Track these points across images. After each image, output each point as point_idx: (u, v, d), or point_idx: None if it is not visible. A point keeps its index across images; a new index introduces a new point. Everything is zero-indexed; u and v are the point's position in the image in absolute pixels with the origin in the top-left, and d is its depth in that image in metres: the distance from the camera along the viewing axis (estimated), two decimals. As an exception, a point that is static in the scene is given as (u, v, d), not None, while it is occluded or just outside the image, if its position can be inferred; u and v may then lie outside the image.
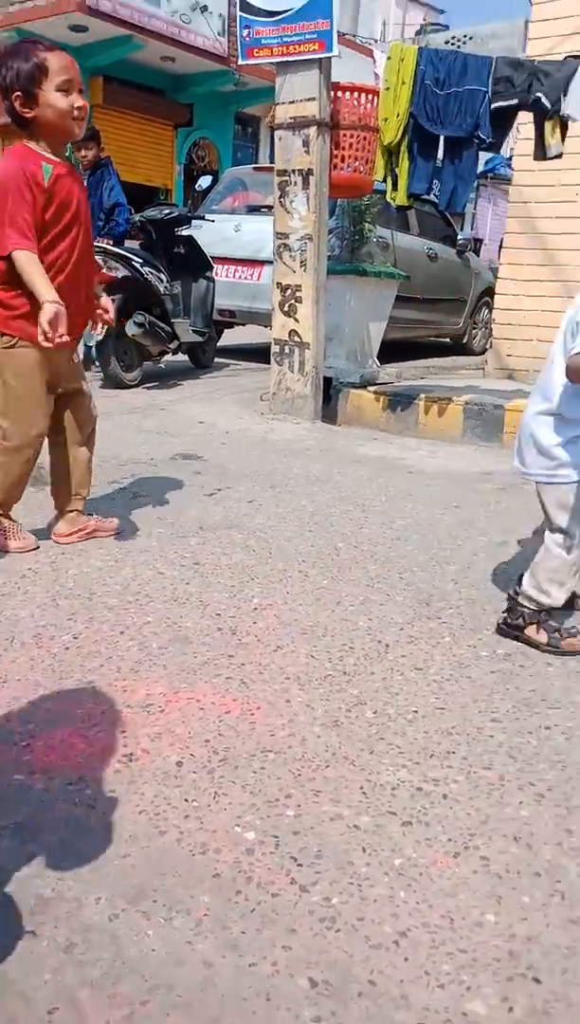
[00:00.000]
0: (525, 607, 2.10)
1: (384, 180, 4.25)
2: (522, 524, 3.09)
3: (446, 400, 4.96)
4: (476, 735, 1.65)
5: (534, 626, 2.09)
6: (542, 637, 2.08)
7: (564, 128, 4.13)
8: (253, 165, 8.48)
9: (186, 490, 3.31)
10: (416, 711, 1.75)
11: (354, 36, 14.91)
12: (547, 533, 2.08)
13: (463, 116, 3.97)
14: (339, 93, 4.39)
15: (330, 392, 5.39)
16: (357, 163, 4.39)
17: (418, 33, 17.12)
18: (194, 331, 6.18)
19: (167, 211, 6.12)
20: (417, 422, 5.06)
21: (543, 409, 2.02)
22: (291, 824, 1.39)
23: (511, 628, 2.13)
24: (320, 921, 1.20)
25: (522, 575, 2.17)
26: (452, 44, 13.58)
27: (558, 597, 2.07)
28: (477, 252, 10.70)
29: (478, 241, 12.86)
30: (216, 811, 1.41)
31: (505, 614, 2.16)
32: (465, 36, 14.13)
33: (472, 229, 13.34)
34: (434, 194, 4.37)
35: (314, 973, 1.11)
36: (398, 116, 4.06)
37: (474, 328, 8.99)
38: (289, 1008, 1.06)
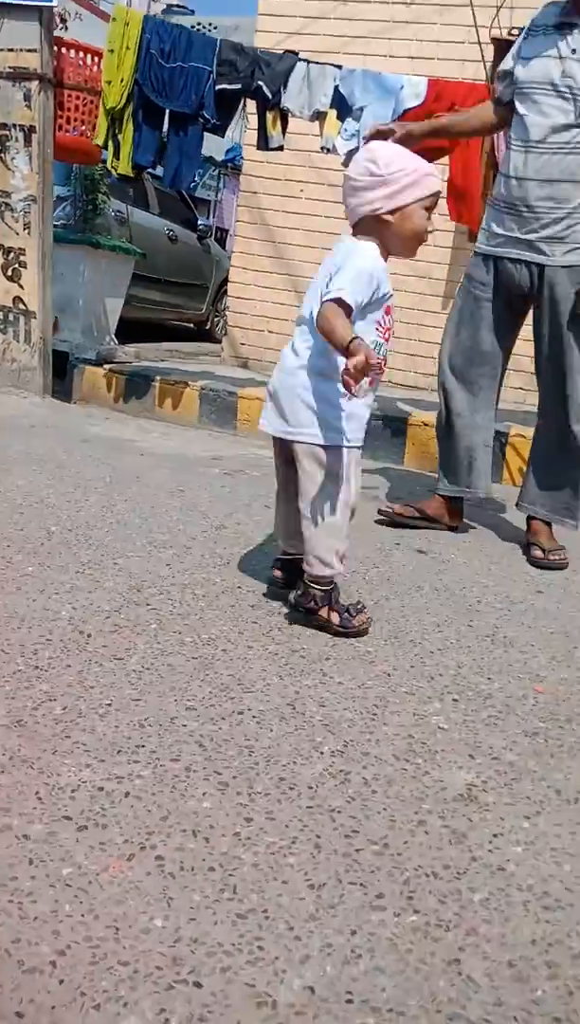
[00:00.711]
0: (315, 589, 2.08)
1: (105, 146, 4.07)
2: (244, 509, 3.10)
3: (183, 384, 4.91)
4: (169, 725, 1.58)
5: (326, 608, 2.09)
6: (334, 619, 2.09)
7: (285, 121, 4.22)
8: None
9: None
10: (110, 704, 1.64)
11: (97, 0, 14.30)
12: (307, 504, 2.04)
13: (188, 92, 3.91)
14: (64, 50, 4.13)
15: (66, 368, 5.14)
16: (84, 127, 4.16)
17: (164, 12, 16.89)
18: None
19: None
20: (153, 404, 4.97)
21: (305, 367, 1.99)
22: (-51, 844, 1.22)
23: (305, 609, 2.10)
24: (-31, 953, 1.05)
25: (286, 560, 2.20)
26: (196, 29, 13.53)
27: (339, 566, 2.08)
28: (222, 243, 10.75)
29: (224, 231, 12.93)
30: None
31: (297, 593, 2.13)
32: (210, 24, 14.17)
33: (215, 218, 13.41)
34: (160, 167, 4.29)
35: (-47, 1017, 0.97)
36: (122, 82, 3.90)
37: (216, 315, 9.05)
38: None
